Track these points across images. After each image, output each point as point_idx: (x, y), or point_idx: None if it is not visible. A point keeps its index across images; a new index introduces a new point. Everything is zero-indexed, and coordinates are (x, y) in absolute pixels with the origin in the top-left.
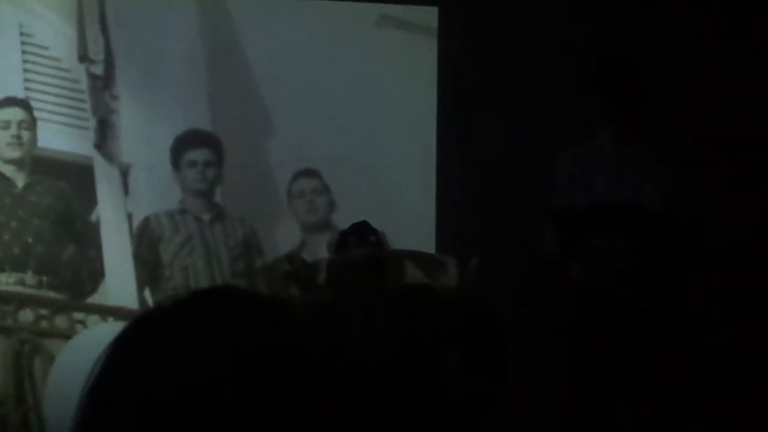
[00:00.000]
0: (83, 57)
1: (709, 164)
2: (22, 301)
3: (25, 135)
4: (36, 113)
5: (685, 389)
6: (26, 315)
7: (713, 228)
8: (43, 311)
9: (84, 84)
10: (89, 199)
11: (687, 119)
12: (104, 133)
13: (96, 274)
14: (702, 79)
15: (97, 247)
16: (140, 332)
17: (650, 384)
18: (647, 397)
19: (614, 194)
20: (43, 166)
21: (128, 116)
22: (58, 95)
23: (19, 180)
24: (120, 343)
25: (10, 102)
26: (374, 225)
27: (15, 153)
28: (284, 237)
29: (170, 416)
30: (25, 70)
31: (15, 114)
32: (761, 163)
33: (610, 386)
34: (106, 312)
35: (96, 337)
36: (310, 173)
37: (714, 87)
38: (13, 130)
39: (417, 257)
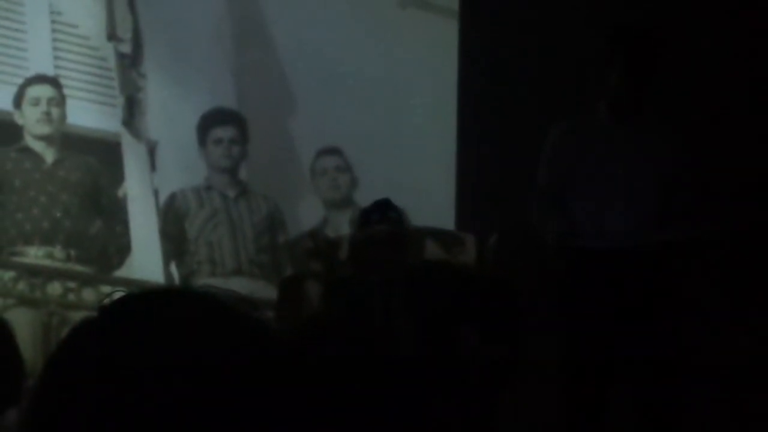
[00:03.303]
0: (111, 35)
1: (710, 144)
2: (51, 274)
3: (55, 112)
4: (65, 90)
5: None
6: (54, 288)
7: (713, 206)
8: (71, 284)
9: (112, 62)
10: (117, 174)
11: (689, 98)
12: (132, 110)
13: (123, 249)
14: (707, 58)
15: (124, 221)
16: (76, 346)
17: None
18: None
19: (608, 169)
20: (71, 142)
21: (155, 94)
22: (86, 73)
23: (49, 156)
24: (56, 358)
25: (40, 79)
26: (395, 202)
27: (44, 129)
28: (307, 213)
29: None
30: (55, 48)
31: (45, 91)
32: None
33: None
34: (133, 285)
35: None
36: (332, 151)
37: (719, 68)
38: (43, 106)
39: (437, 234)
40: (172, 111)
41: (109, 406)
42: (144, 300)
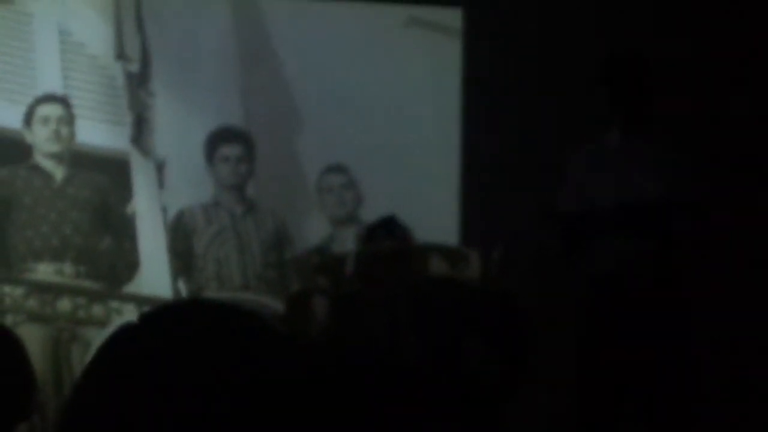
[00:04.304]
0: (120, 55)
1: (718, 158)
2: (61, 290)
3: (64, 130)
4: (74, 109)
5: (690, 386)
6: (64, 304)
7: (721, 221)
8: (81, 300)
9: (121, 81)
10: (125, 192)
11: (695, 113)
12: (140, 128)
13: (132, 265)
14: (710, 73)
15: (133, 238)
16: (113, 352)
17: (657, 382)
18: (654, 397)
19: (621, 189)
20: (81, 160)
21: (163, 112)
22: (95, 92)
23: (58, 174)
24: (95, 363)
25: (50, 99)
26: (400, 219)
27: (54, 147)
28: (314, 230)
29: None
30: (64, 68)
31: (54, 110)
32: None
33: (619, 385)
34: (142, 301)
35: None
36: (338, 169)
37: (723, 82)
38: (53, 125)
39: (441, 250)
40: (180, 129)
41: (145, 412)
42: (182, 310)
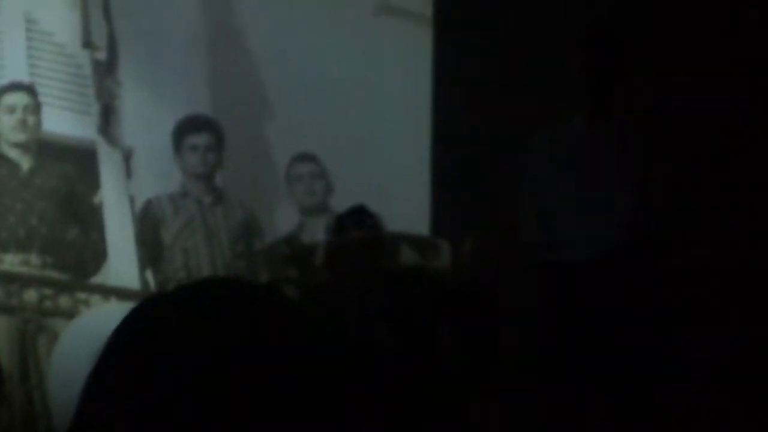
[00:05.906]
0: (87, 43)
1: (682, 148)
2: (27, 281)
3: (30, 119)
4: (41, 98)
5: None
6: (31, 295)
7: (686, 213)
8: (47, 291)
9: (88, 69)
10: (93, 182)
11: (659, 101)
12: (107, 117)
13: (99, 255)
14: (677, 60)
15: (100, 228)
16: (139, 322)
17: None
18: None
19: (583, 176)
20: (47, 149)
21: (131, 101)
22: (62, 80)
23: (25, 163)
24: (120, 332)
25: (16, 87)
26: (370, 208)
27: (20, 137)
28: (283, 219)
29: (166, 406)
30: (30, 56)
31: (20, 99)
32: (736, 142)
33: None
34: (109, 292)
35: (98, 317)
36: (308, 157)
37: (689, 71)
38: (19, 114)
39: (412, 240)
40: (148, 118)
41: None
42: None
